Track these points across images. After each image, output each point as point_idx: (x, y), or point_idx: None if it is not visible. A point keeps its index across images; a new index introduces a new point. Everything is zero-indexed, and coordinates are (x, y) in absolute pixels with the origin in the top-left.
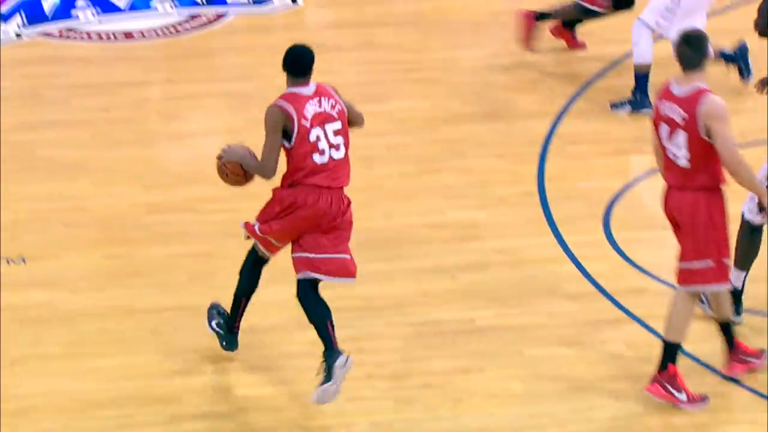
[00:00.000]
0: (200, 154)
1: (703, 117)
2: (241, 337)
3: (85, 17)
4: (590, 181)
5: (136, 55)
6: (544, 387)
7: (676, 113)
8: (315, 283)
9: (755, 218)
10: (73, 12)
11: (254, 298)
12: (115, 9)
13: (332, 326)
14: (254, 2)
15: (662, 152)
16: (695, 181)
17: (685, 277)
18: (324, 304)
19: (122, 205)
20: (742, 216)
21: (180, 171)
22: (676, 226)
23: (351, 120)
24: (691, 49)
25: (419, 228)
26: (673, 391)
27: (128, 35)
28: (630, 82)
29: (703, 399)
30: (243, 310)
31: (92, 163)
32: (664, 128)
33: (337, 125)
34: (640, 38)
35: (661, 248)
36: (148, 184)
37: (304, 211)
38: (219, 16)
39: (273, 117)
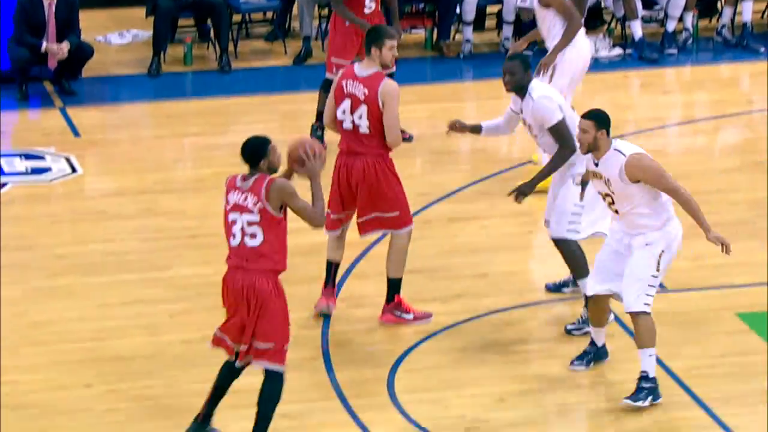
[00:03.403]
0: None
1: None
2: None
3: None
4: (374, 344)
5: None
6: None
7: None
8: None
9: None
10: None
11: None
12: None
13: None
14: (32, 171)
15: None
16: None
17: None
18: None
19: None
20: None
21: None
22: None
23: None
24: None
25: (204, 396)
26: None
27: None
28: None
29: (427, 315)
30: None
31: None
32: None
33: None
34: None
35: (444, 408)
36: None
37: None
38: None
39: None
